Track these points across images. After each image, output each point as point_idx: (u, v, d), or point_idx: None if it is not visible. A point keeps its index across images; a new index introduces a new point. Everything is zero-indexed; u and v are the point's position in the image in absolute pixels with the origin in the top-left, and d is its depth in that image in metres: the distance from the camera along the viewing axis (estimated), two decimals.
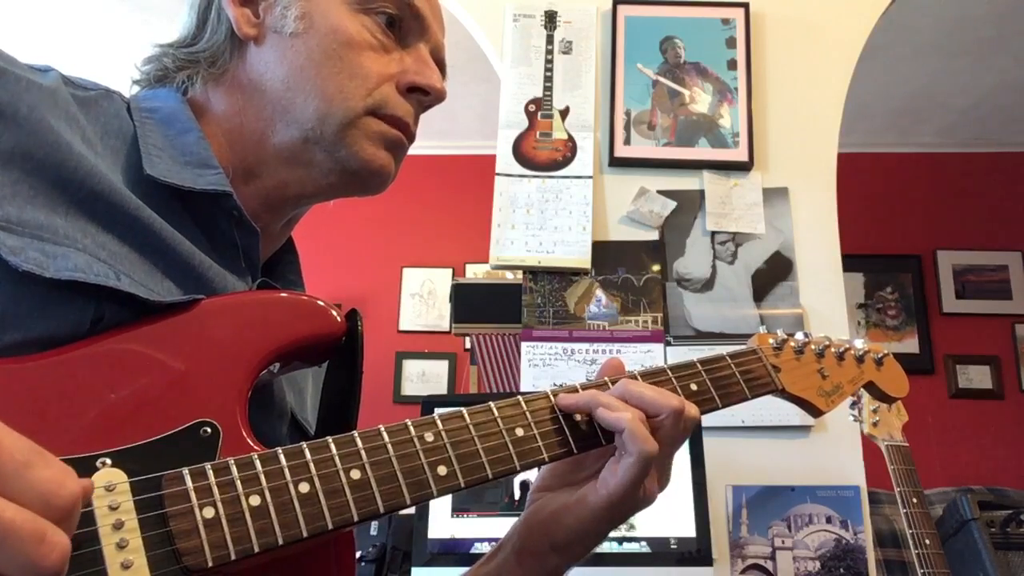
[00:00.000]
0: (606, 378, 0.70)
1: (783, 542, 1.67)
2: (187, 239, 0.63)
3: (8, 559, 0.35)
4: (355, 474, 0.55)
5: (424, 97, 0.74)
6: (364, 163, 0.71)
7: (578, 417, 0.66)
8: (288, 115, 0.69)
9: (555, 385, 0.69)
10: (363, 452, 0.56)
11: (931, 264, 3.97)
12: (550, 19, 2.02)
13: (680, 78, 1.99)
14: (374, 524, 1.96)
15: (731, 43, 2.00)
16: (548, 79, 1.98)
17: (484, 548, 1.40)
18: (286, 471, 0.53)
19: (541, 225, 1.86)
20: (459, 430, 0.61)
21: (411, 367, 3.98)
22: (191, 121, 0.69)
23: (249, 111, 0.70)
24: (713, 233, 1.88)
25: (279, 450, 0.54)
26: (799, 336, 0.83)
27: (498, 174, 1.91)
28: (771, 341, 0.81)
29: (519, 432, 0.63)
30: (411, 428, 0.59)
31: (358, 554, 1.91)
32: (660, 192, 1.89)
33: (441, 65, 0.78)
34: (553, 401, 0.66)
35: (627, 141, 1.94)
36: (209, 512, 0.49)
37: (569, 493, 0.69)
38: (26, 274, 0.52)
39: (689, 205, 1.90)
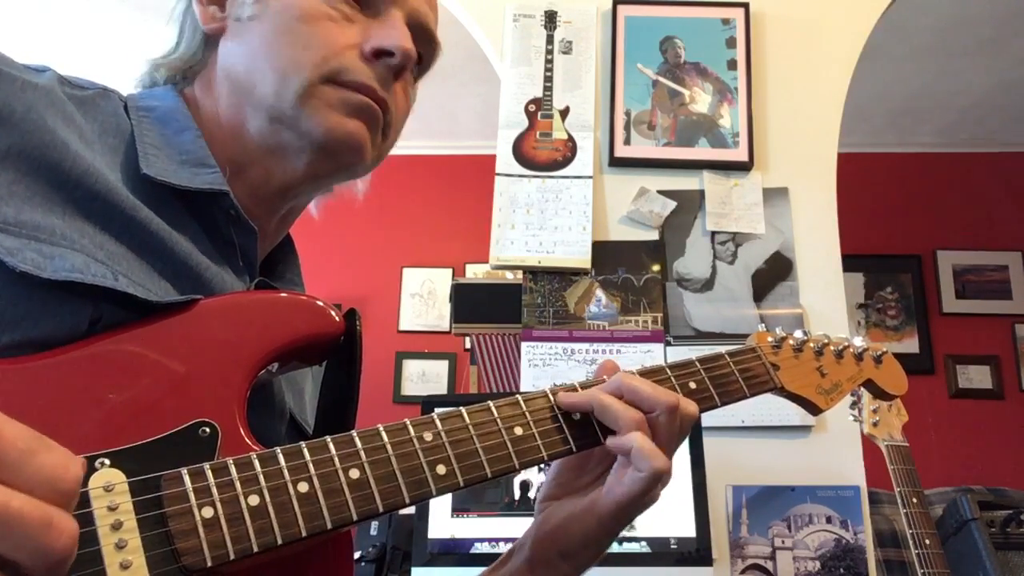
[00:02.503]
0: (605, 377, 0.70)
1: (783, 542, 1.67)
2: (185, 238, 0.63)
3: (19, 547, 0.36)
4: (354, 473, 0.55)
5: (391, 60, 0.69)
6: (328, 131, 0.67)
7: (577, 416, 0.66)
8: (252, 98, 0.68)
9: (555, 385, 0.69)
10: (362, 452, 0.56)
11: (931, 264, 3.97)
12: (550, 19, 2.02)
13: (680, 78, 1.98)
14: (374, 524, 1.96)
15: (731, 43, 2.00)
16: (548, 79, 1.97)
17: (484, 548, 1.40)
18: (285, 471, 0.53)
19: (541, 225, 1.85)
20: (458, 430, 0.61)
21: (411, 367, 3.98)
22: (188, 120, 0.69)
23: (224, 104, 0.70)
24: (713, 233, 1.88)
25: (278, 450, 0.54)
26: (798, 334, 0.83)
27: (498, 174, 1.91)
28: (770, 339, 0.81)
29: (518, 431, 0.63)
30: (410, 427, 0.59)
31: (358, 554, 1.91)
32: (660, 192, 1.89)
33: (421, 30, 0.73)
34: (552, 400, 0.66)
35: (627, 141, 1.94)
36: (208, 512, 0.49)
37: (575, 502, 0.69)
38: (23, 275, 0.52)
39: (689, 205, 1.90)
